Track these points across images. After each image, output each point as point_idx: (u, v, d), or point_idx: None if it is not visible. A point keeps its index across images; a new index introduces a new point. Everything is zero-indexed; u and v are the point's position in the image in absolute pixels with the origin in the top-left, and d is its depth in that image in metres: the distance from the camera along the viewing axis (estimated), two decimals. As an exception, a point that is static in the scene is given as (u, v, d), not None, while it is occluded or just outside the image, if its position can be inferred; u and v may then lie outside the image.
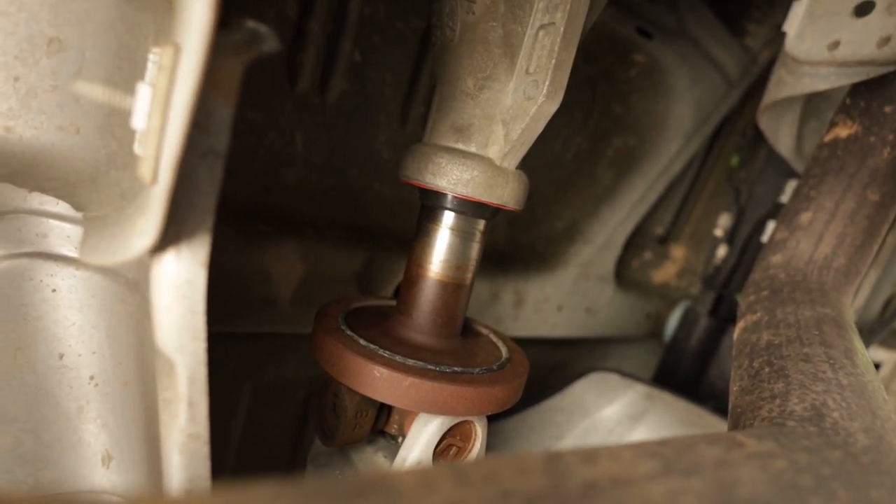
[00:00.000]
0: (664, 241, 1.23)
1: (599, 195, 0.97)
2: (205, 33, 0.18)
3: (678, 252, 1.26)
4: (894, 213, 0.58)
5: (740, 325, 0.52)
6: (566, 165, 0.96)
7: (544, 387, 1.01)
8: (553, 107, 0.37)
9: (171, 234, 0.23)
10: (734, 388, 0.41)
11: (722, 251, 1.03)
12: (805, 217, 0.60)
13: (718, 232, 1.02)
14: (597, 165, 0.97)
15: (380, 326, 0.45)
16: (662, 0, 0.84)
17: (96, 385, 0.43)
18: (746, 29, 0.99)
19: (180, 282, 0.24)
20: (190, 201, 0.23)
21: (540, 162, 0.93)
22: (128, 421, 0.44)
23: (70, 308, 0.42)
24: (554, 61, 0.35)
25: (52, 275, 0.41)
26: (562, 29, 0.35)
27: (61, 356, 0.42)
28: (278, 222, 0.65)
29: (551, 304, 0.93)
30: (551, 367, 1.17)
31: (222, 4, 0.19)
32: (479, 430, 0.42)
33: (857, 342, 0.44)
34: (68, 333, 0.42)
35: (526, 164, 0.98)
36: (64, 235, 0.40)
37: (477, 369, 0.40)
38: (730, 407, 0.40)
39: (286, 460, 0.84)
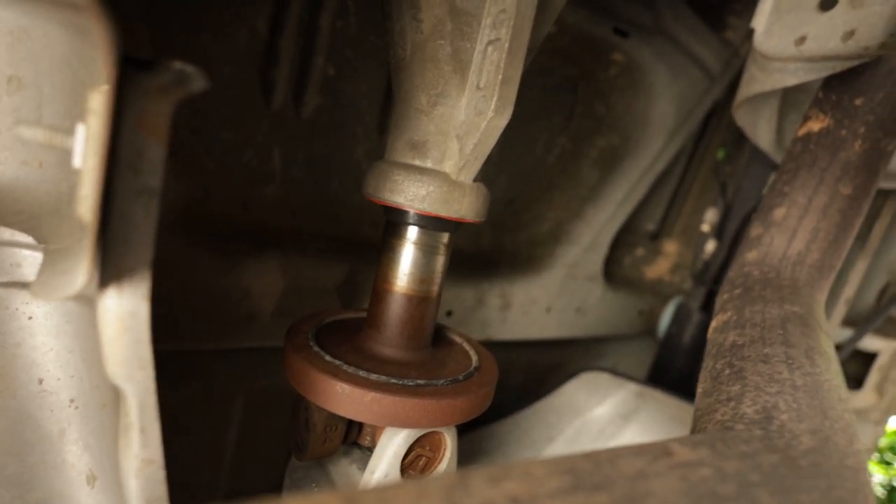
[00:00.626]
0: (656, 237, 1.23)
1: (584, 196, 0.97)
2: (109, 75, 0.19)
3: (671, 247, 1.26)
4: (867, 205, 0.58)
5: (713, 324, 0.52)
6: (549, 167, 0.96)
7: (541, 387, 1.02)
8: (503, 121, 0.37)
9: (111, 270, 0.24)
10: (699, 389, 0.42)
11: (710, 246, 1.03)
12: (779, 213, 0.60)
13: (705, 227, 1.02)
14: (581, 166, 0.97)
15: (350, 341, 0.46)
16: (638, -1, 0.84)
17: (76, 408, 0.45)
18: (727, 23, 0.99)
19: (124, 314, 0.24)
20: (127, 238, 0.23)
21: (522, 165, 0.93)
22: (108, 442, 0.45)
23: (47, 334, 0.43)
24: (500, 77, 0.36)
25: (27, 303, 0.42)
26: (507, 45, 0.35)
27: (41, 381, 0.43)
28: (258, 238, 0.66)
29: (539, 306, 0.93)
30: (547, 367, 1.18)
31: (120, 50, 0.19)
32: (449, 440, 0.43)
33: (823, 339, 0.45)
34: (46, 359, 0.43)
35: (508, 168, 0.98)
36: (37, 264, 0.41)
37: (441, 381, 0.41)
38: (693, 409, 0.41)
39: (282, 468, 0.85)
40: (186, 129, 0.60)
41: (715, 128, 1.12)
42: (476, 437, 0.93)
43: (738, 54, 0.99)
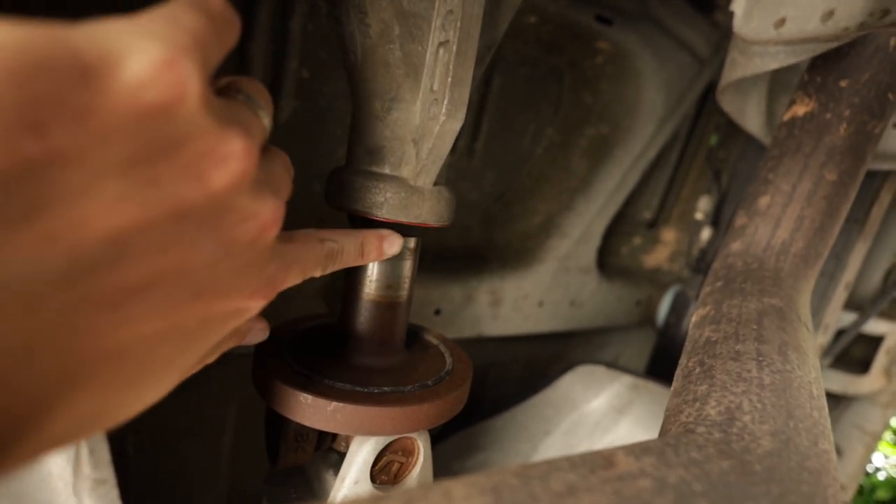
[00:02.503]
0: (653, 225, 1.21)
1: (574, 187, 0.96)
2: None
3: (669, 235, 1.24)
4: (854, 191, 0.57)
5: (693, 319, 0.51)
6: (538, 159, 0.95)
7: (542, 380, 1.02)
8: (455, 125, 0.37)
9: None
10: (672, 389, 0.41)
11: (706, 234, 1.01)
12: (763, 201, 0.58)
13: (699, 215, 1.00)
14: (570, 157, 0.96)
15: (324, 348, 0.46)
16: (622, -16, 0.82)
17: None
18: (716, 4, 0.96)
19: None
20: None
21: (510, 158, 0.92)
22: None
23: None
24: (450, 79, 0.35)
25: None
26: (454, 47, 0.35)
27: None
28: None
29: (531, 300, 0.93)
30: (548, 359, 1.17)
31: None
32: (421, 445, 0.43)
33: (802, 333, 0.43)
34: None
35: (496, 162, 0.97)
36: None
37: (409, 387, 0.41)
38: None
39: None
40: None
41: (709, 112, 1.10)
42: (473, 433, 0.93)
43: (728, 37, 0.97)
